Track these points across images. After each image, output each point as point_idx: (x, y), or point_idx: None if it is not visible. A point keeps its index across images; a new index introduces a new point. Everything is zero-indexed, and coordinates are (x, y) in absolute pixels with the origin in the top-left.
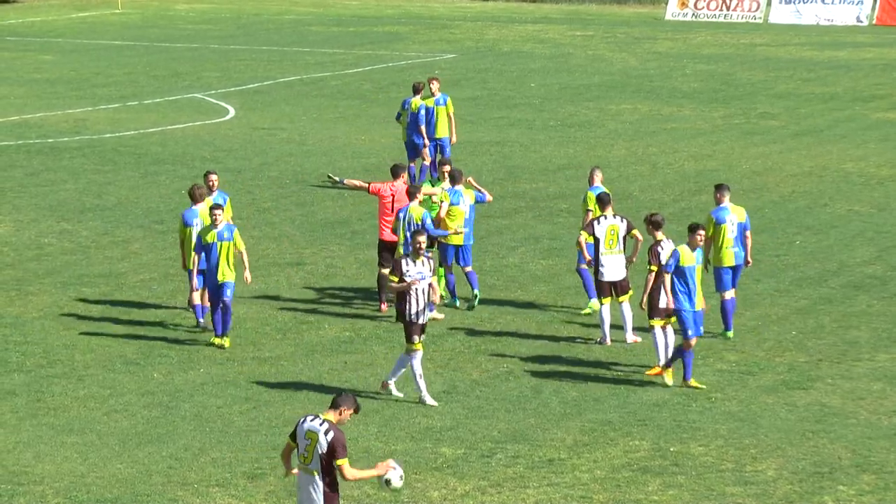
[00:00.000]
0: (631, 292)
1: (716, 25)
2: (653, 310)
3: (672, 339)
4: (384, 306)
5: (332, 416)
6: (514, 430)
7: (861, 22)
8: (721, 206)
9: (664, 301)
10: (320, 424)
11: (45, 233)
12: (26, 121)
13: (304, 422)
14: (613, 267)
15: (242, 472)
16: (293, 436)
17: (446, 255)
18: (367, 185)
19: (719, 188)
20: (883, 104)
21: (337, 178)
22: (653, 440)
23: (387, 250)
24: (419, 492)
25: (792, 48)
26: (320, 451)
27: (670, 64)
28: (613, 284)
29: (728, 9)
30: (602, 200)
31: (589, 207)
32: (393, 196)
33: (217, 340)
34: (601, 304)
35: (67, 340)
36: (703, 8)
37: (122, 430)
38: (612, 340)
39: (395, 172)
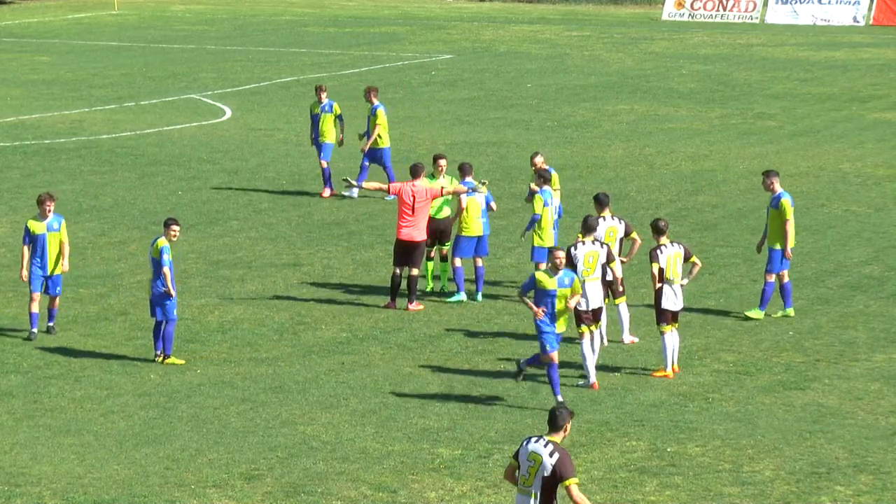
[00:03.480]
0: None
1: (712, 26)
2: (659, 315)
3: (678, 342)
4: (394, 304)
5: (557, 437)
6: (511, 430)
7: (858, 22)
8: (784, 190)
9: (667, 304)
10: (545, 446)
11: None
12: (23, 122)
13: (528, 442)
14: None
15: (239, 473)
16: (516, 455)
17: (464, 246)
18: (386, 186)
19: (770, 174)
20: (880, 104)
21: (356, 183)
22: (650, 441)
23: (403, 250)
24: (416, 493)
25: (789, 48)
26: (544, 473)
27: (667, 64)
28: (610, 285)
29: (724, 9)
30: (600, 202)
31: (535, 212)
32: (414, 196)
33: None
34: None
35: (64, 341)
36: (700, 8)
37: (119, 432)
38: (608, 341)
39: (415, 172)
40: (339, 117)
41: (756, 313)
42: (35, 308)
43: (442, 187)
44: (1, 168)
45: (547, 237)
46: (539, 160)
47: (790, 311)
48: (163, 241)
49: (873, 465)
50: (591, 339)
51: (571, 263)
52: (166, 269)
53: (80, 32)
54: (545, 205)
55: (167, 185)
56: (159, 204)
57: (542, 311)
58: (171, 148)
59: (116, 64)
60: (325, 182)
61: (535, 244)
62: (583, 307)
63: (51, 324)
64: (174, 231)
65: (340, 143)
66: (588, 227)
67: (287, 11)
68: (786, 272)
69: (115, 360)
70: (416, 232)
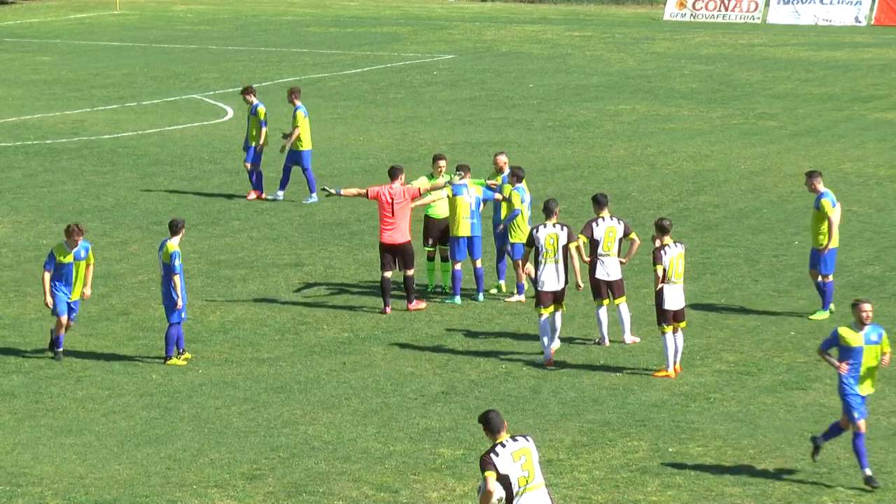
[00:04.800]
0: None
1: (714, 26)
2: (660, 315)
3: (681, 343)
4: (388, 309)
5: (506, 433)
6: (512, 430)
7: (859, 22)
8: (826, 190)
9: (669, 304)
10: (515, 440)
11: (44, 234)
12: (24, 122)
13: (499, 453)
14: (610, 268)
15: (241, 473)
16: (492, 468)
17: (454, 248)
18: (364, 191)
19: (813, 174)
20: (881, 104)
21: (333, 191)
22: (651, 441)
23: (388, 253)
24: (418, 493)
25: (790, 48)
26: (536, 458)
27: (668, 64)
28: (610, 286)
29: (726, 9)
30: (599, 202)
31: (515, 207)
32: (392, 198)
33: None
34: (598, 305)
35: (66, 342)
36: (702, 8)
37: (121, 431)
38: (610, 341)
39: (393, 174)
40: (261, 122)
41: (821, 314)
42: (62, 332)
43: (419, 187)
44: (2, 168)
45: (526, 233)
46: (502, 159)
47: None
48: (173, 246)
49: (874, 466)
50: (553, 319)
51: (531, 244)
52: (176, 278)
53: (81, 32)
54: (521, 201)
55: (169, 186)
56: (161, 204)
57: (847, 364)
58: (173, 148)
59: (118, 64)
60: (255, 185)
61: (516, 241)
62: (545, 288)
63: (59, 349)
64: (183, 232)
65: (254, 146)
66: (548, 210)
67: (289, 11)
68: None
69: (117, 360)
70: (398, 234)
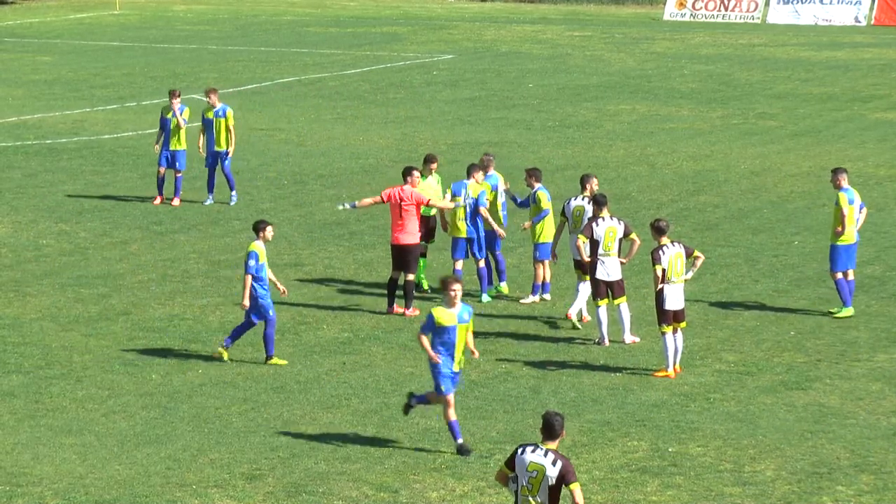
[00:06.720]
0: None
1: (714, 26)
2: (660, 316)
3: (681, 343)
4: (395, 309)
5: (553, 444)
6: (512, 430)
7: (859, 22)
8: (848, 186)
9: (669, 304)
10: (545, 455)
11: (44, 234)
12: (24, 122)
13: (523, 452)
14: (610, 268)
15: (241, 473)
16: (509, 464)
17: (455, 248)
18: (379, 198)
19: (838, 171)
20: (881, 104)
21: (348, 205)
22: (651, 441)
23: (394, 255)
24: (418, 493)
25: (790, 48)
26: (549, 483)
27: (668, 64)
28: (610, 286)
29: (726, 9)
30: (598, 202)
31: (544, 207)
32: (401, 199)
33: None
34: (598, 305)
35: (66, 341)
36: (702, 8)
37: (121, 431)
38: (610, 341)
39: (405, 175)
40: (177, 124)
41: (846, 311)
42: (452, 414)
43: (429, 199)
44: (3, 168)
45: (552, 233)
46: (487, 158)
47: (849, 311)
48: (252, 245)
49: (875, 465)
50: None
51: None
52: (247, 277)
53: (81, 32)
54: (548, 199)
55: (168, 186)
56: (161, 204)
57: None
58: None
59: (118, 64)
60: (174, 190)
61: (542, 241)
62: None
63: (459, 439)
64: (268, 232)
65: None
66: (581, 184)
67: (288, 11)
68: (851, 270)
69: (117, 360)
70: (405, 236)
